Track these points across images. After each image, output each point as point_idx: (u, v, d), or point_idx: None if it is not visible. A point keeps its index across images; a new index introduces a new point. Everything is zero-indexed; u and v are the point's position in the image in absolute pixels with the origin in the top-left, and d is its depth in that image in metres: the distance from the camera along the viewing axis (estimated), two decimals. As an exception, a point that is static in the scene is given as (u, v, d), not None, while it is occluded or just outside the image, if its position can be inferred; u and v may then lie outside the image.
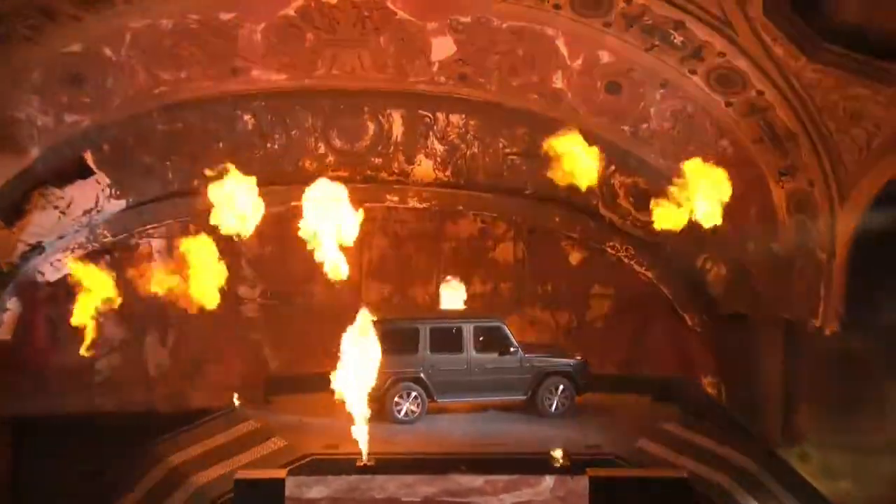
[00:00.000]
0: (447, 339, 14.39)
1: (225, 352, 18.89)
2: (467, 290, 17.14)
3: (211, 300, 14.00)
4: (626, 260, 19.12)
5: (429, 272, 19.64)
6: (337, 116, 18.35)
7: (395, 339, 13.75)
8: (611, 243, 19.03)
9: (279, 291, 19.39)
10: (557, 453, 11.35)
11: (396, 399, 13.84)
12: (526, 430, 13.55)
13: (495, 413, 14.74)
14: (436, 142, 18.75)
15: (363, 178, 18.80)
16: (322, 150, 18.54)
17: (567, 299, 20.15)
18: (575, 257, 19.84)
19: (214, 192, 13.94)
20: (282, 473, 10.93)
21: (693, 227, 15.11)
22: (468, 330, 14.35)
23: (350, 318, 12.83)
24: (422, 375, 13.96)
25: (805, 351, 17.55)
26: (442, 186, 19.12)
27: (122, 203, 18.00)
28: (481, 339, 14.42)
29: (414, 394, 13.92)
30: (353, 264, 19.41)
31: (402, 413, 13.88)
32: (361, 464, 11.35)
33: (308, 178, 18.26)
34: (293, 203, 18.63)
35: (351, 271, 18.32)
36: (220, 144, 17.93)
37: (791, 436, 17.40)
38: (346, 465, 11.38)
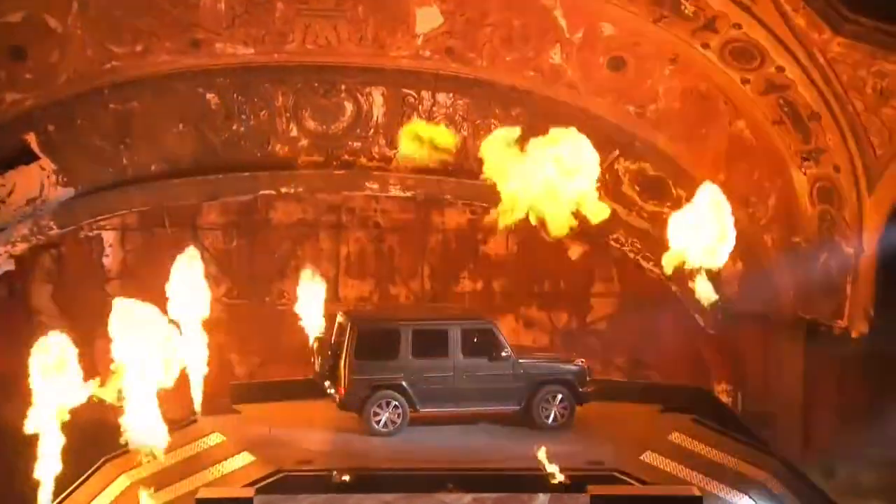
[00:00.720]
0: (431, 343, 14.10)
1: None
2: (455, 287, 17.07)
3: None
4: (631, 254, 19.02)
5: (413, 268, 19.54)
6: (310, 95, 18.16)
7: (374, 343, 13.65)
8: (614, 236, 18.88)
9: (247, 290, 19.28)
10: (555, 469, 11.22)
11: (375, 409, 13.62)
12: (519, 444, 13.10)
13: (485, 425, 14.48)
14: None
15: (340, 163, 18.67)
16: (294, 132, 18.35)
17: (566, 298, 20.11)
18: (575, 252, 19.73)
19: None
20: (249, 492, 10.68)
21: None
22: (455, 332, 14.09)
23: (326, 320, 12.73)
24: (403, 383, 13.71)
25: (829, 355, 17.50)
26: (427, 173, 18.72)
27: (69, 191, 17.69)
28: (470, 342, 14.16)
29: (394, 403, 13.66)
30: (328, 259, 19.49)
31: (381, 424, 13.65)
32: (337, 481, 11.20)
33: (279, 164, 18.30)
34: (263, 191, 18.65)
35: (326, 266, 18.37)
36: (181, 126, 17.75)
37: (814, 449, 17.35)
38: (320, 482, 11.14)
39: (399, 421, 13.73)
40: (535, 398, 14.01)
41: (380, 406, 13.64)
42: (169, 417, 13.33)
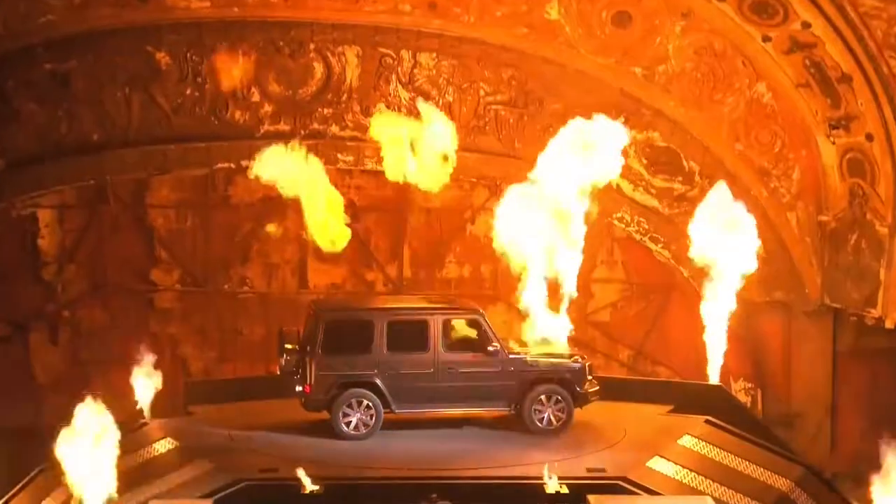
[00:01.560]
0: (409, 335, 13.90)
1: (133, 351, 18.55)
2: (440, 273, 16.95)
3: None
4: (637, 235, 18.91)
5: (392, 251, 19.42)
6: (274, 55, 18.00)
7: (344, 334, 13.46)
8: (619, 214, 18.79)
9: (202, 276, 19.11)
10: (551, 478, 11.14)
11: (344, 409, 13.38)
12: (510, 450, 13.11)
13: (472, 429, 14.39)
14: (400, 88, 18.53)
15: (309, 132, 18.43)
16: (256, 97, 18.17)
17: (564, 285, 20.04)
18: (570, 233, 19.67)
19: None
20: (206, 504, 10.68)
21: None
22: (436, 323, 13.94)
23: (292, 309, 12.61)
24: (376, 380, 13.54)
25: (861, 348, 17.48)
26: (408, 143, 18.73)
27: (-2, 163, 17.54)
28: (454, 334, 14.09)
29: (366, 403, 13.45)
30: (295, 241, 19.33)
31: (352, 426, 13.43)
32: (306, 491, 11.08)
33: (238, 133, 18.08)
34: (220, 164, 18.44)
35: (292, 250, 18.23)
36: (126, 90, 17.51)
37: (843, 454, 17.32)
38: (286, 492, 10.97)
39: (372, 423, 13.56)
40: (527, 398, 13.92)
41: (349, 406, 13.45)
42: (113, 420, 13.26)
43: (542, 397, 13.82)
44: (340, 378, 13.29)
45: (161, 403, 15.30)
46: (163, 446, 13.37)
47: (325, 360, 12.95)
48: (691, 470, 12.57)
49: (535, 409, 13.70)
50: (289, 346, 13.83)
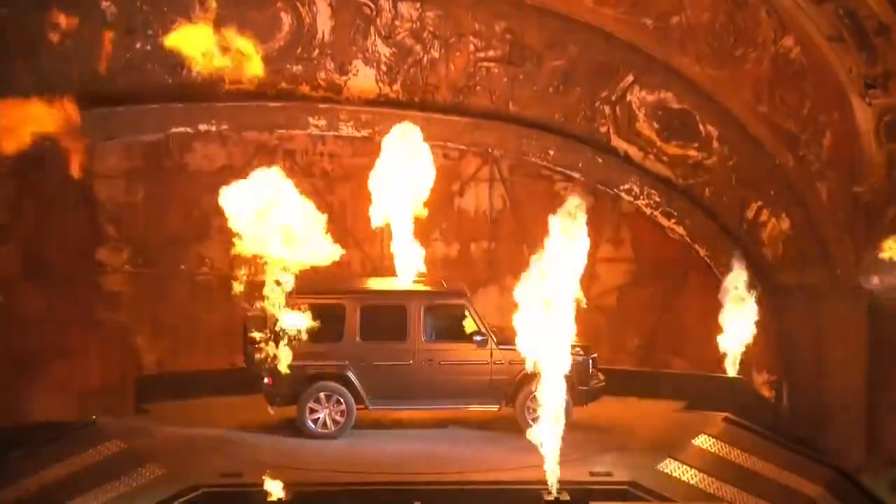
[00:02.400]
0: (386, 322, 13.93)
1: (77, 341, 18.48)
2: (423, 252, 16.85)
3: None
4: (648, 210, 18.83)
5: (370, 227, 19.33)
6: (236, 3, 17.68)
7: (312, 321, 13.12)
8: (626, 186, 18.70)
9: (156, 255, 18.99)
10: (551, 484, 11.06)
11: (311, 404, 13.45)
12: (502, 453, 13.13)
13: (457, 429, 14.54)
14: (379, 42, 18.38)
15: (276, 93, 18.45)
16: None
17: (564, 265, 19.98)
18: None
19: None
20: (160, 513, 10.68)
21: (740, 163, 14.92)
22: (416, 308, 13.94)
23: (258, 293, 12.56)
24: (348, 372, 13.56)
25: (899, 336, 17.47)
26: (388, 105, 18.70)
27: None
28: (436, 321, 14.07)
29: (335, 397, 13.51)
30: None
31: (319, 423, 13.47)
32: (272, 498, 11.02)
33: (196, 93, 17.93)
34: (175, 129, 18.30)
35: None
36: (67, 42, 17.19)
37: (879, 456, 17.35)
38: (250, 500, 10.93)
39: (342, 420, 13.53)
40: (520, 395, 13.77)
41: (317, 401, 13.47)
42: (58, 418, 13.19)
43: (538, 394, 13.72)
44: (307, 369, 13.24)
45: (110, 400, 15.24)
46: (110, 448, 13.36)
47: (293, 349, 12.79)
48: (707, 473, 12.57)
49: (528, 407, 13.47)
50: (254, 335, 13.71)
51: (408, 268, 15.52)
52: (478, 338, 13.73)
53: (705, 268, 18.76)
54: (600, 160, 18.80)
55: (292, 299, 12.95)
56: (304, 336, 12.65)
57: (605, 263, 19.73)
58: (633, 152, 18.41)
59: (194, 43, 16.64)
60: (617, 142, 18.59)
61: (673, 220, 18.64)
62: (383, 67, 18.43)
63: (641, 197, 18.70)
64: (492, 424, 14.31)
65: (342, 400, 13.45)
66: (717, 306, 18.57)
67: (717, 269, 18.57)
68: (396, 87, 18.60)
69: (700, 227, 18.76)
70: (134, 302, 18.69)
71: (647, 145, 18.54)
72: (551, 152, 18.84)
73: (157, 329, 18.79)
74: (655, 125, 18.41)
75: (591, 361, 14.25)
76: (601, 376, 14.49)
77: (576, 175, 18.99)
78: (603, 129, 18.39)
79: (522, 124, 18.68)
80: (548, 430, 10.64)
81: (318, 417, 13.42)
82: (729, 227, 18.75)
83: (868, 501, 13.14)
